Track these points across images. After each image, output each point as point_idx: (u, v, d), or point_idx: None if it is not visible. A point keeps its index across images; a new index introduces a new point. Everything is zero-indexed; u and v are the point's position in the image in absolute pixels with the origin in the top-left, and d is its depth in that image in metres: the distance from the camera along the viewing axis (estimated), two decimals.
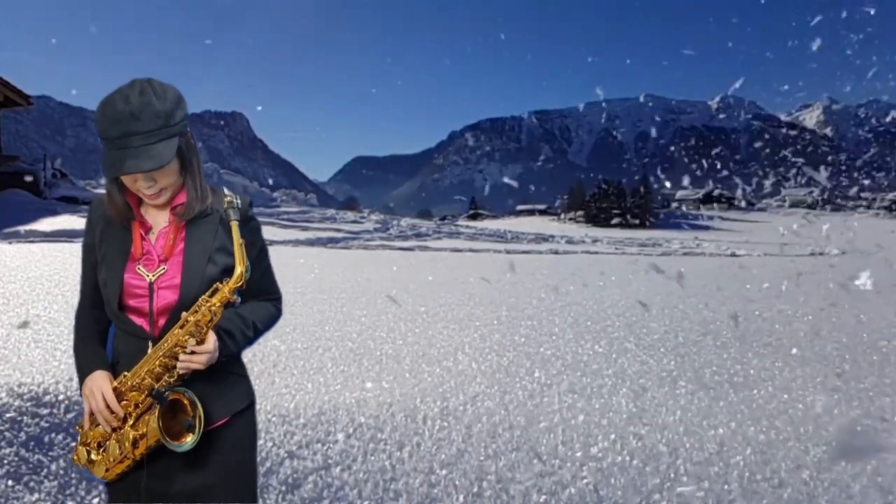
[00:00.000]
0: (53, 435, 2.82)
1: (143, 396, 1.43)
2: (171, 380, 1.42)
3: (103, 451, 1.47)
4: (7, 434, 2.77)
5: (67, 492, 2.61)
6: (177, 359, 1.40)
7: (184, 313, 1.41)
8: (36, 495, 2.58)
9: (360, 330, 5.01)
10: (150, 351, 1.43)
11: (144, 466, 1.46)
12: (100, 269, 1.49)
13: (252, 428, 1.61)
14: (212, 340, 1.42)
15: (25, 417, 2.87)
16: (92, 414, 1.46)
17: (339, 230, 21.82)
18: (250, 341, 1.55)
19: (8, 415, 2.85)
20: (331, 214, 29.02)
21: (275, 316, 1.64)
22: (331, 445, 2.80)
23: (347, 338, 4.69)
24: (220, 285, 1.43)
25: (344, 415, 3.03)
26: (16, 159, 20.56)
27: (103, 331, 1.56)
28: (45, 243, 11.33)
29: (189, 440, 1.41)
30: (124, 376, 1.45)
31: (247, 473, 1.57)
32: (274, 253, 1.67)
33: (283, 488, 2.58)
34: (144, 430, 1.41)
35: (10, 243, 11.25)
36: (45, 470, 2.68)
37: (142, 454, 1.43)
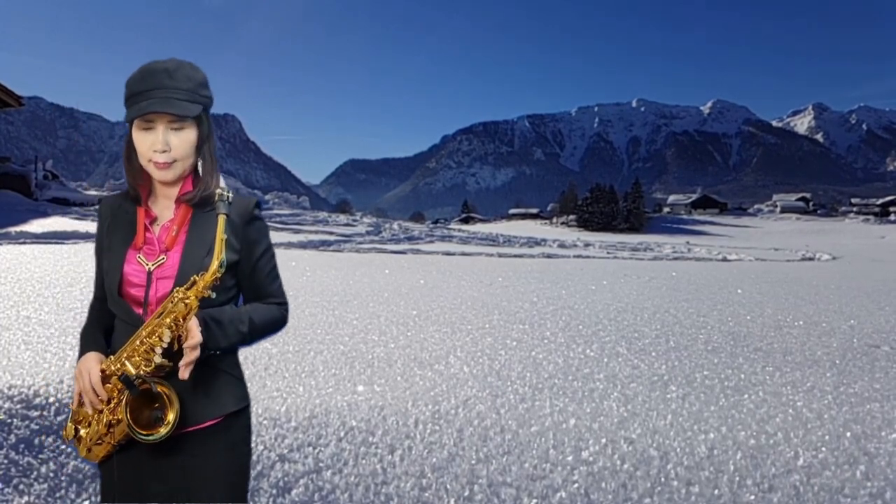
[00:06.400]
0: (44, 437, 2.81)
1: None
2: (148, 369, 1.39)
3: (89, 428, 1.48)
4: None
5: (57, 495, 2.60)
6: (154, 350, 1.39)
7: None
8: (25, 498, 2.56)
9: (351, 333, 5.00)
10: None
11: (114, 458, 1.47)
12: (104, 257, 1.53)
13: (246, 433, 1.59)
14: (196, 332, 1.37)
15: (15, 420, 2.86)
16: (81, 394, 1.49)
17: (331, 233, 21.80)
18: (246, 337, 1.50)
19: None
20: (323, 217, 29.01)
21: (278, 318, 1.58)
22: (322, 449, 2.80)
23: (339, 341, 4.68)
24: (197, 278, 1.41)
25: (335, 418, 3.03)
26: (7, 160, 20.48)
27: (108, 320, 1.58)
28: (35, 245, 11.26)
29: (160, 433, 1.37)
30: (110, 360, 1.45)
31: (237, 478, 1.55)
32: None
33: (274, 492, 2.58)
34: (120, 416, 1.40)
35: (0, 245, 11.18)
36: (35, 472, 2.67)
37: (118, 441, 1.43)
